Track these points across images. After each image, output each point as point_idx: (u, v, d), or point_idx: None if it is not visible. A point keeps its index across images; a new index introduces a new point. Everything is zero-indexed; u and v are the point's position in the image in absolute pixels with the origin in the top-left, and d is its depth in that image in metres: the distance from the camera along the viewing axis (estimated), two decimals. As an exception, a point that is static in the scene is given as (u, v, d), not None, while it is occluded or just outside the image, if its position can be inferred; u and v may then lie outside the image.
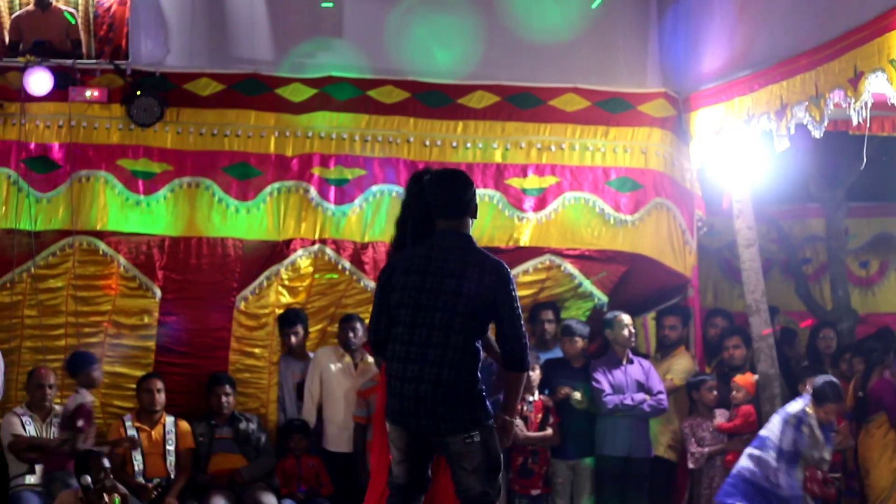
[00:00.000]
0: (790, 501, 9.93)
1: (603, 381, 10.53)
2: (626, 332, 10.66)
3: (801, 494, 10.01)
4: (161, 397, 10.36)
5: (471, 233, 7.14)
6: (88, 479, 9.31)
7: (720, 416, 10.86)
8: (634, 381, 10.57)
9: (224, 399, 10.42)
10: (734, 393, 10.82)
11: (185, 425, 10.42)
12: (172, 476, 10.23)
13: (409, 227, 7.37)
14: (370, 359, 10.51)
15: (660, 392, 10.59)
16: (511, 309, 6.86)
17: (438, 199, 7.08)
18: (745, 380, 10.84)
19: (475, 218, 7.18)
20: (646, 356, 11.21)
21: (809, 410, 9.98)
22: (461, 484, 6.88)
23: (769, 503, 9.90)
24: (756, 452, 9.99)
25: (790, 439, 9.94)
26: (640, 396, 10.50)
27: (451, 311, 6.84)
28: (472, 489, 6.85)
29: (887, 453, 10.95)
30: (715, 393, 10.86)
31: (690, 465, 10.86)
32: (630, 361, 10.67)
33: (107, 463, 9.48)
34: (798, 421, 9.98)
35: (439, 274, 6.89)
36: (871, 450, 11.00)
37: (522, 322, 6.95)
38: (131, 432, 10.27)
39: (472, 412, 6.83)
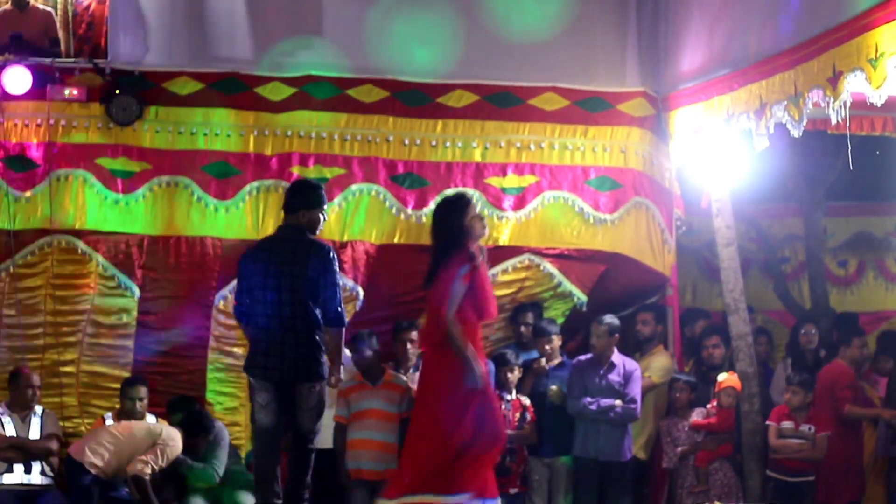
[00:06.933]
0: None
1: (575, 383, 10.51)
2: (594, 341, 10.57)
3: None
4: (144, 405, 10.31)
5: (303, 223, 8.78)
6: None
7: (696, 414, 10.84)
8: (609, 385, 10.48)
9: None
10: (728, 399, 10.70)
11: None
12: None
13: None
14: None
15: (633, 400, 10.46)
16: (328, 281, 8.67)
17: (285, 198, 9.06)
18: (735, 382, 10.74)
19: (310, 210, 8.80)
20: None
21: None
22: (296, 422, 8.76)
23: None
24: None
25: None
26: (608, 402, 10.37)
27: (290, 290, 8.62)
28: (304, 426, 8.76)
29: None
30: (682, 394, 10.84)
31: (664, 465, 10.85)
32: (612, 365, 10.54)
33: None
34: None
35: (278, 261, 8.68)
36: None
37: (340, 290, 8.77)
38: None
39: (317, 367, 8.73)
